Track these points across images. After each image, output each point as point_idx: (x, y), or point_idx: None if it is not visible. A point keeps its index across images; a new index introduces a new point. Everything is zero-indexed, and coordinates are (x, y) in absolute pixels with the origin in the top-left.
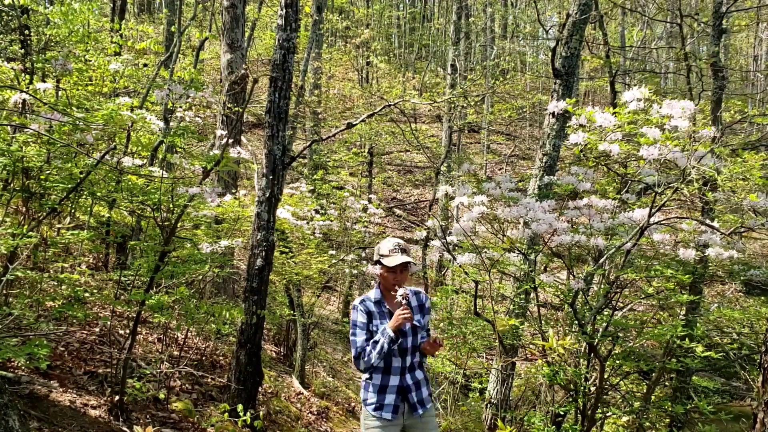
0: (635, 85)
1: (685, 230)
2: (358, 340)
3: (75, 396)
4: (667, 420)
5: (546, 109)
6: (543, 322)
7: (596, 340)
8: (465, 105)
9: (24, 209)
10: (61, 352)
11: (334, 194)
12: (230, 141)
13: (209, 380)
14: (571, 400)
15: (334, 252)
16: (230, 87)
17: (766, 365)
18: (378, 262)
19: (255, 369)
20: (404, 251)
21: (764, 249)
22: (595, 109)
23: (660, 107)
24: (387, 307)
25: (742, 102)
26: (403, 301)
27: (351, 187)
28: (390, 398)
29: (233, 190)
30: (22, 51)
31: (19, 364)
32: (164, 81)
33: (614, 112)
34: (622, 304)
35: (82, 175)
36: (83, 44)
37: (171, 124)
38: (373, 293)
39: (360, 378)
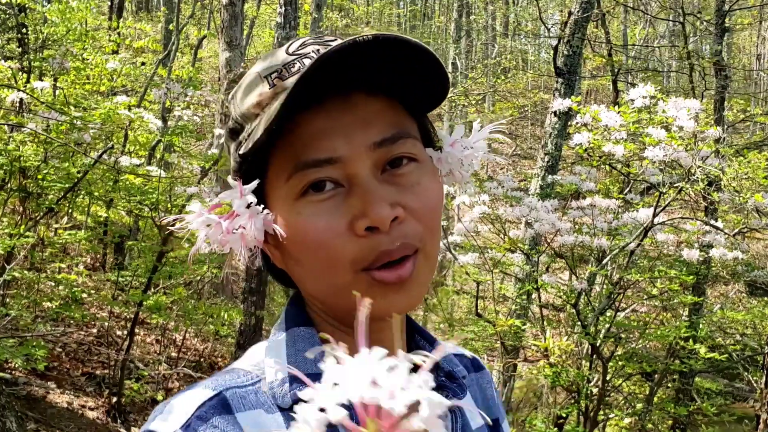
0: (638, 84)
1: (688, 230)
2: None
3: (73, 397)
4: (670, 422)
5: (548, 108)
6: (545, 323)
7: (599, 342)
8: (466, 103)
9: (21, 209)
10: (58, 353)
11: None
12: None
13: None
14: (573, 401)
15: None
16: (229, 85)
17: None
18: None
19: None
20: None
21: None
22: (600, 107)
23: (666, 104)
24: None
25: (745, 101)
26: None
27: None
28: None
29: None
30: (20, 49)
31: (17, 365)
32: (162, 79)
33: (619, 111)
34: (625, 305)
35: (79, 175)
36: (81, 43)
37: (169, 122)
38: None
39: None
